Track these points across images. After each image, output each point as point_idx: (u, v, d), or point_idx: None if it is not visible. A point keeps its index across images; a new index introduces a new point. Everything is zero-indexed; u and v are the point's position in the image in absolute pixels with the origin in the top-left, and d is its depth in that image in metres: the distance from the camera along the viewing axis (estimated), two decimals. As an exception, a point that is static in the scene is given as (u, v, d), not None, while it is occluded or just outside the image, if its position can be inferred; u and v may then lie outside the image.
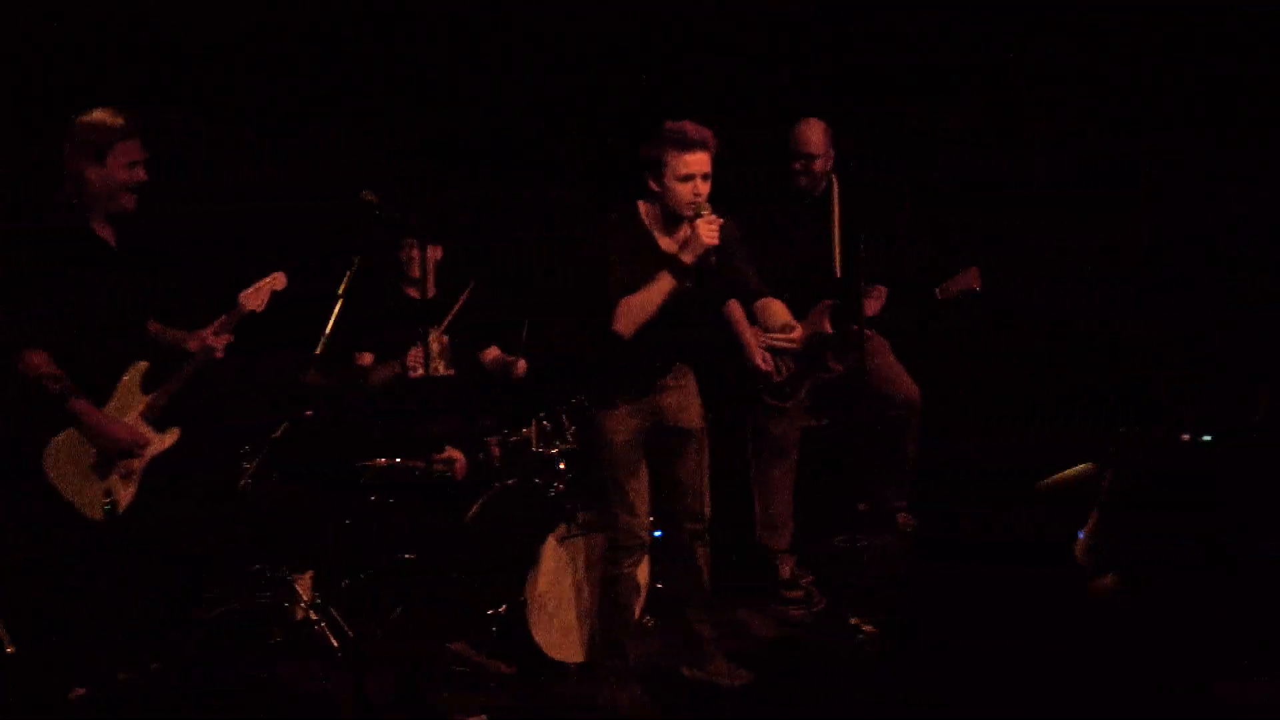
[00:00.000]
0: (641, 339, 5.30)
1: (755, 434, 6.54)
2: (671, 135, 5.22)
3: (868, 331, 6.24)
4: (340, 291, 5.72)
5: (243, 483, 5.88)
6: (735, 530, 6.25)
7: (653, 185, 5.28)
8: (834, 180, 6.50)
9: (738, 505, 6.43)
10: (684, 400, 5.56)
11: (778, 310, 5.35)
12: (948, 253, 6.50)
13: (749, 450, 6.59)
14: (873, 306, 6.32)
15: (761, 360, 5.76)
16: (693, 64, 7.11)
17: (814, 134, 6.45)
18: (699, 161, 5.20)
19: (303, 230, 6.56)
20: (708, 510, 5.61)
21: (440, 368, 6.25)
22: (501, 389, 6.47)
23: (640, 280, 5.26)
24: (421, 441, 5.96)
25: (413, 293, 6.47)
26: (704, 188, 5.22)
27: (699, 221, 5.17)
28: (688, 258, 5.21)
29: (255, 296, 5.39)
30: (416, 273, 6.33)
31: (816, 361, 6.45)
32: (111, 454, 5.17)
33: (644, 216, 5.38)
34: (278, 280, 5.51)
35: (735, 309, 5.86)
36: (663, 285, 5.23)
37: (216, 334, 5.39)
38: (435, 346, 6.27)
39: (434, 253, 6.47)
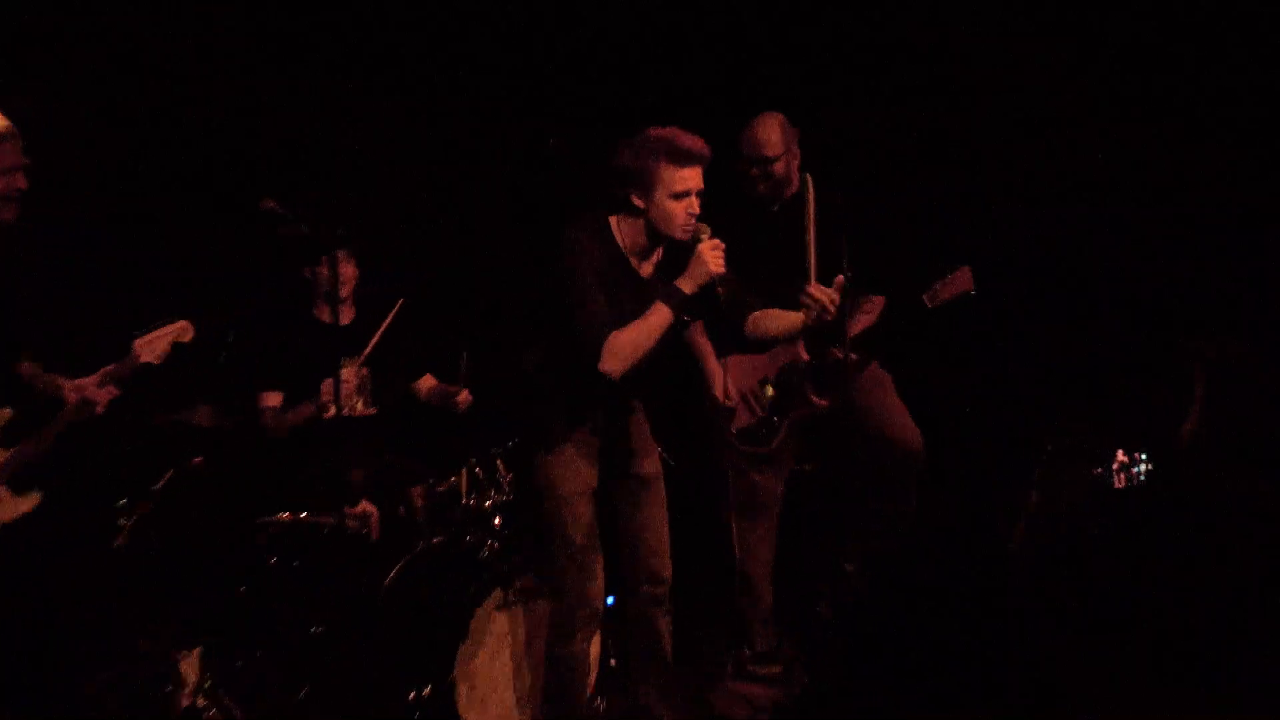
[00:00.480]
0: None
1: (734, 481, 6.00)
2: (664, 145, 4.81)
3: (863, 361, 5.79)
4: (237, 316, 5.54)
5: (118, 541, 5.47)
6: (703, 593, 5.94)
7: (636, 200, 4.85)
8: (809, 181, 5.92)
9: (706, 563, 6.03)
10: (639, 440, 5.19)
11: (771, 312, 5.01)
12: (929, 254, 6.01)
13: (727, 500, 6.04)
14: (863, 322, 5.76)
15: (723, 394, 5.53)
16: (639, 53, 6.77)
17: (769, 133, 5.82)
18: (696, 176, 4.84)
19: (207, 247, 6.27)
20: (669, 572, 5.21)
21: (358, 406, 5.94)
22: (431, 428, 6.19)
23: (616, 309, 4.86)
24: (332, 493, 5.55)
25: (324, 316, 6.11)
26: (696, 206, 4.86)
27: (703, 247, 4.80)
28: (689, 287, 4.82)
29: (153, 346, 5.04)
30: (327, 288, 5.95)
31: (794, 397, 5.87)
32: None
33: (616, 233, 4.95)
34: (184, 331, 5.13)
35: (697, 331, 5.66)
36: (660, 318, 4.83)
37: (100, 385, 5.00)
38: (352, 380, 5.89)
39: (349, 269, 6.06)
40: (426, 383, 6.29)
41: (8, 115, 4.77)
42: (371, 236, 6.08)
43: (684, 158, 4.80)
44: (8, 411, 4.85)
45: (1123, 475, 5.43)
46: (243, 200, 5.34)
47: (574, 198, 5.32)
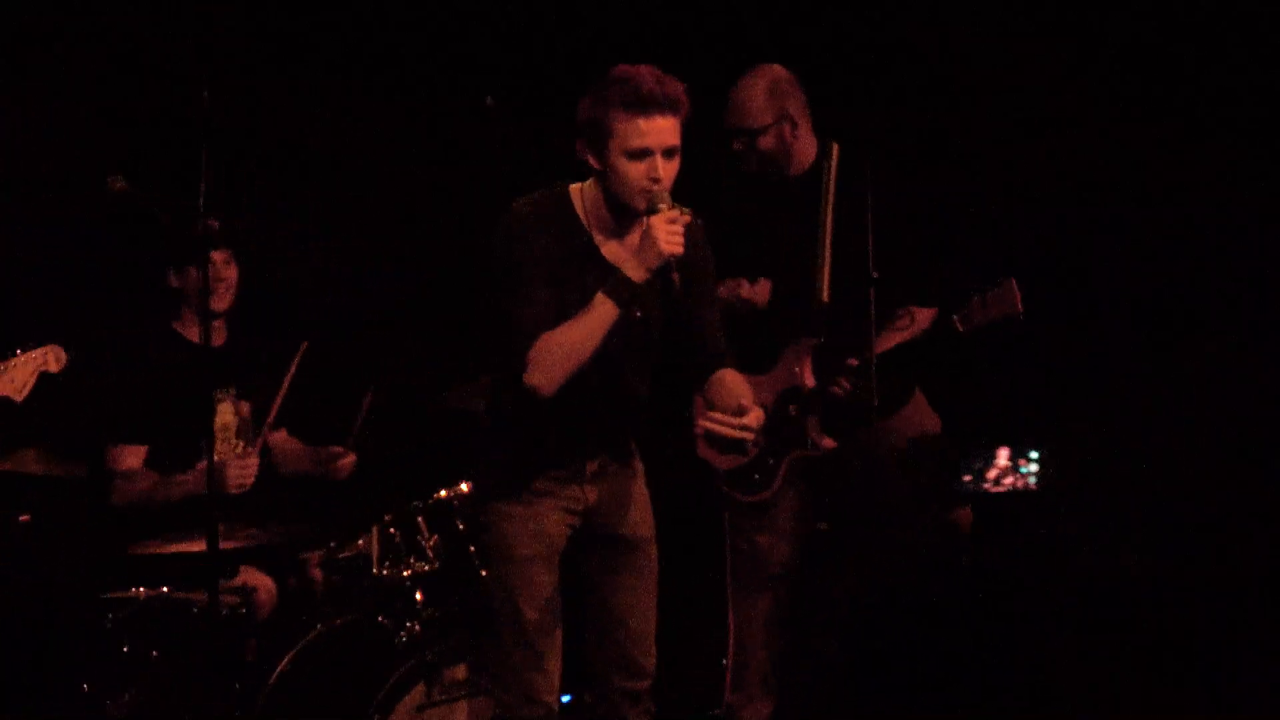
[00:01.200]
0: (566, 396, 4.23)
1: (731, 541, 5.35)
2: (620, 90, 4.16)
3: (886, 393, 4.97)
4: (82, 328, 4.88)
5: None
6: (690, 692, 5.68)
7: (592, 161, 4.24)
8: (833, 150, 5.18)
9: (697, 652, 5.76)
10: (622, 495, 4.48)
11: (732, 385, 4.35)
12: (966, 266, 5.48)
13: (726, 571, 5.42)
14: (894, 339, 5.01)
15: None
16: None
17: (752, 97, 5.09)
18: (660, 130, 4.15)
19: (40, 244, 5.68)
20: (652, 663, 4.55)
21: (241, 448, 5.43)
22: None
23: (575, 302, 4.24)
24: (204, 562, 4.75)
25: (191, 335, 5.47)
26: (667, 169, 4.17)
27: (655, 219, 4.13)
28: (637, 273, 4.16)
29: (12, 378, 4.62)
30: (216, 307, 5.35)
31: (794, 433, 5.14)
32: None
33: (578, 205, 4.32)
34: (51, 358, 4.62)
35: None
36: (601, 315, 4.18)
37: None
38: (232, 418, 5.41)
39: (228, 270, 5.43)
40: (278, 438, 5.63)
41: None
42: (256, 230, 5.53)
43: (644, 104, 4.12)
44: None
45: (1007, 479, 5.06)
46: (86, 182, 4.88)
47: (517, 180, 4.68)
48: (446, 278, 5.87)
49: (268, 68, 6.15)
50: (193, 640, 5.09)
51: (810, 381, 5.08)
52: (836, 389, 4.95)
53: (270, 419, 5.36)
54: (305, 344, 5.42)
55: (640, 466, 4.63)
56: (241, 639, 5.16)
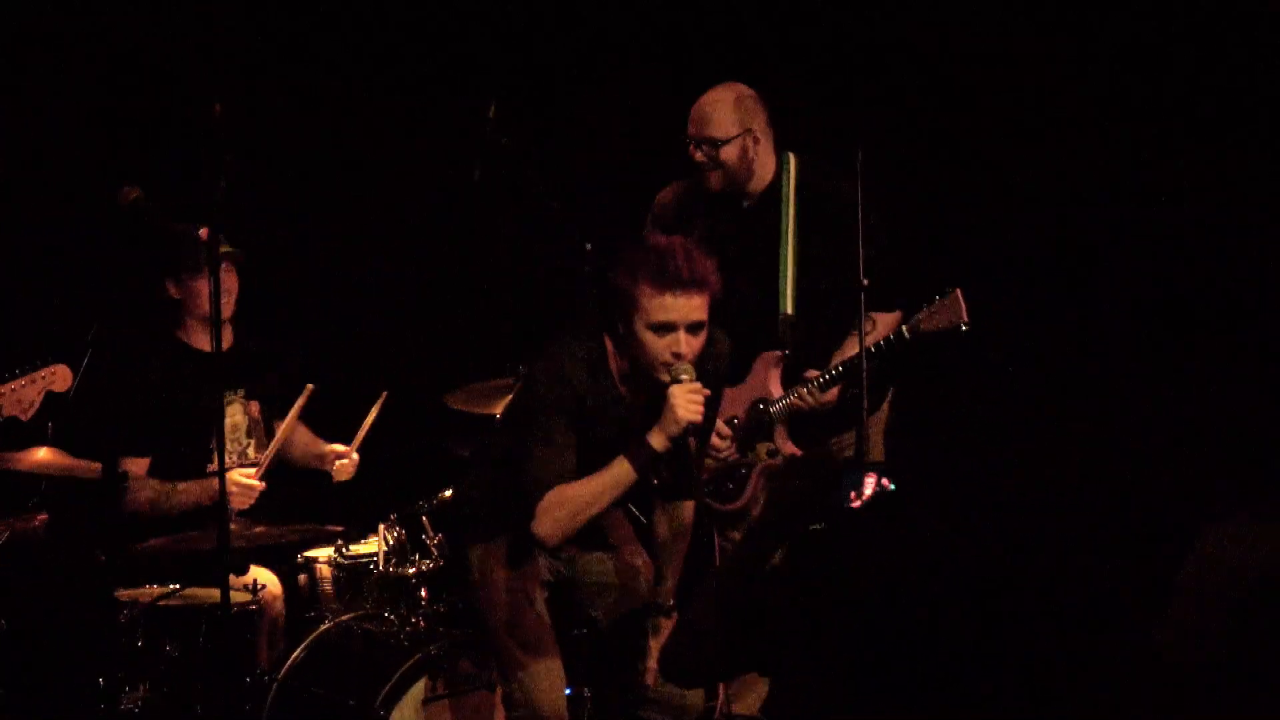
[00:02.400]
0: None
1: (719, 545, 5.40)
2: (648, 264, 4.18)
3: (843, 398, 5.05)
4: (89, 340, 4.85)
5: None
6: None
7: (620, 325, 4.26)
8: (791, 162, 5.18)
9: None
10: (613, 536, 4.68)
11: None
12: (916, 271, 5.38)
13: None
14: (857, 346, 4.90)
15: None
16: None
17: (718, 108, 5.09)
18: (685, 308, 4.19)
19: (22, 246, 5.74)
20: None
21: (250, 450, 5.46)
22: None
23: (597, 442, 4.32)
24: (215, 560, 4.72)
25: (194, 341, 5.48)
26: (691, 344, 4.22)
27: (676, 389, 4.19)
28: (658, 440, 4.22)
29: (19, 396, 4.66)
30: (206, 309, 5.14)
31: (762, 441, 5.19)
32: None
33: (611, 358, 4.36)
34: (57, 378, 4.67)
35: None
36: (618, 476, 4.27)
37: None
38: (241, 418, 5.43)
39: (229, 278, 5.38)
40: (296, 432, 5.57)
41: None
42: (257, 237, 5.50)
43: (671, 282, 4.15)
44: None
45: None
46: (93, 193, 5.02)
47: (522, 194, 4.91)
48: (451, 281, 5.89)
49: (274, 74, 6.10)
50: (204, 636, 5.07)
51: (777, 392, 5.10)
52: (797, 400, 4.99)
53: (270, 454, 5.31)
54: (311, 387, 5.40)
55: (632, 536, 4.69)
56: (252, 635, 5.19)
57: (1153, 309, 5.68)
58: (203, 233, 4.92)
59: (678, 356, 4.21)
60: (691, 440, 4.28)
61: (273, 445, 5.35)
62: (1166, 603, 3.46)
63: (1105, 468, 5.37)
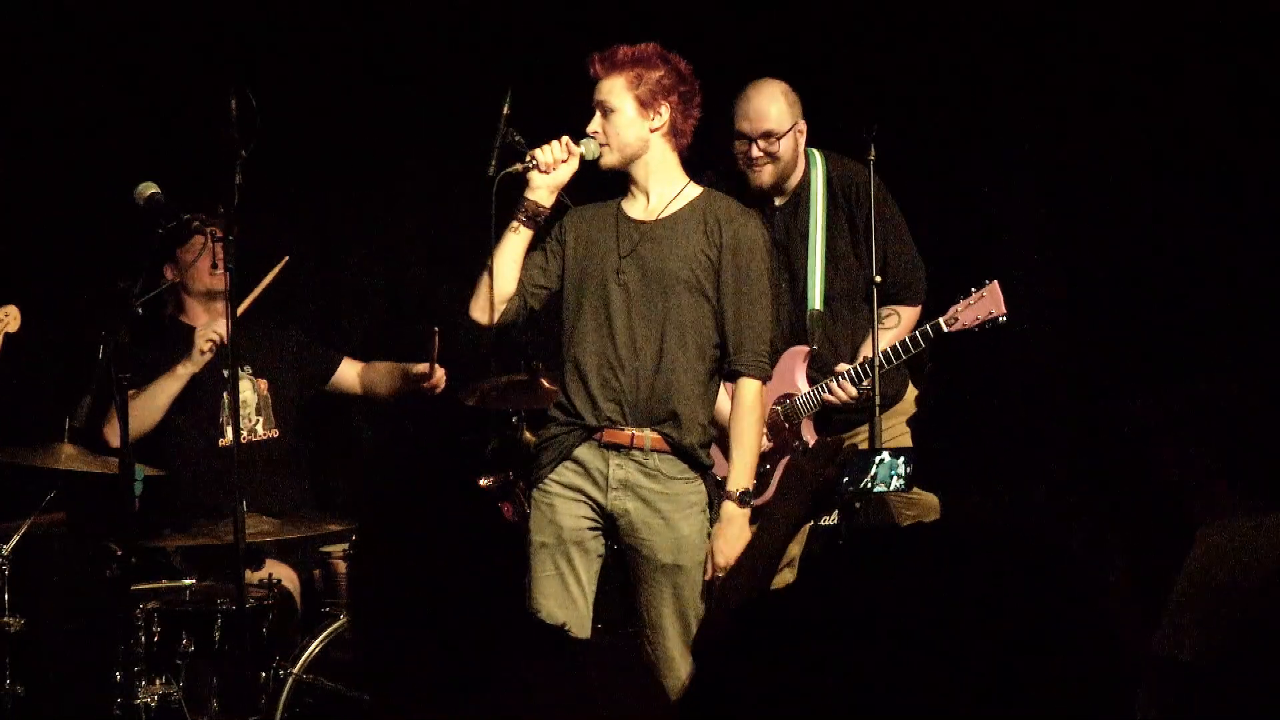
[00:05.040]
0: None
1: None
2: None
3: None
4: (110, 332, 4.62)
5: None
6: None
7: None
8: (819, 159, 5.17)
9: None
10: (656, 504, 4.48)
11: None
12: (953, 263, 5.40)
13: None
14: (883, 339, 4.95)
15: None
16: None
17: (772, 102, 5.05)
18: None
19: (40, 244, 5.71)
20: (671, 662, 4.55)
21: (259, 428, 5.42)
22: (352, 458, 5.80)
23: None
24: (231, 555, 4.80)
25: (197, 321, 5.49)
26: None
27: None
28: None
29: None
30: (203, 283, 5.36)
31: (789, 435, 5.12)
32: None
33: None
34: (10, 318, 4.73)
35: None
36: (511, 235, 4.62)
37: None
38: (251, 394, 5.38)
39: (219, 251, 5.33)
40: (370, 370, 5.55)
41: None
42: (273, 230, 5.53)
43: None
44: None
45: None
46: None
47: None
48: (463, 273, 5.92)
49: (288, 70, 6.03)
50: (220, 630, 5.03)
51: (805, 387, 5.10)
52: (828, 394, 4.98)
53: (241, 308, 5.11)
54: (286, 258, 5.38)
55: (696, 475, 4.54)
56: (268, 629, 5.11)
57: (1161, 306, 5.64)
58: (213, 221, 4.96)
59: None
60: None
61: (248, 300, 5.25)
62: (1164, 602, 3.47)
63: (1114, 464, 5.28)
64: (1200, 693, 3.30)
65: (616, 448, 4.46)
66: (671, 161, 4.54)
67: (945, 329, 4.89)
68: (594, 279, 4.50)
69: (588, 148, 4.46)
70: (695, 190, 4.56)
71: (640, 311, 4.47)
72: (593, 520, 4.52)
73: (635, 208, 4.53)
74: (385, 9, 6.11)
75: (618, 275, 4.47)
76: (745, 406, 4.43)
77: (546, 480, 4.53)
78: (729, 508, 4.38)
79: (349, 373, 5.58)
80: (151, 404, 5.20)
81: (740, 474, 4.39)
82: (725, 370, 4.52)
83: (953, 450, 5.50)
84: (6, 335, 4.70)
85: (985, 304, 4.89)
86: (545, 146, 4.45)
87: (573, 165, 4.49)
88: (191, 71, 5.71)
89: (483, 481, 5.09)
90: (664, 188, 4.51)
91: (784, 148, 5.00)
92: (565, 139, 4.45)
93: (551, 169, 4.45)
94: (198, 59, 5.80)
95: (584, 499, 4.50)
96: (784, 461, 5.02)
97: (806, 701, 1.59)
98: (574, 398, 4.48)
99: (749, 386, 4.44)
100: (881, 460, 3.16)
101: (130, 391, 4.98)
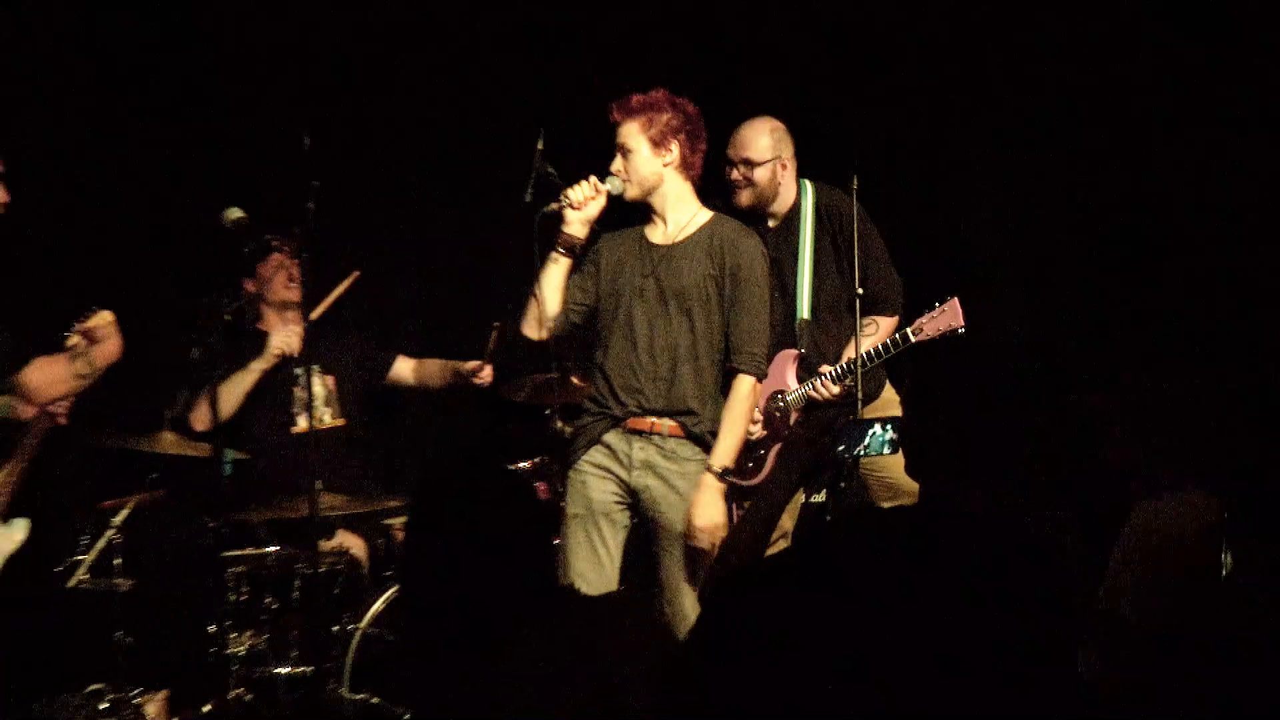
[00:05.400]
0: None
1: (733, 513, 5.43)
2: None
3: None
4: (202, 336, 5.08)
5: (76, 579, 5.12)
6: None
7: None
8: (809, 188, 5.46)
9: None
10: (673, 481, 4.75)
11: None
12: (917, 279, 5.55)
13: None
14: (862, 345, 5.15)
15: None
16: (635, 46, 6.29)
17: (757, 135, 5.36)
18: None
19: (144, 260, 5.92)
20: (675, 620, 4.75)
21: (326, 417, 5.60)
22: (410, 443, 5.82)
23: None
24: (306, 527, 5.04)
25: (276, 326, 5.73)
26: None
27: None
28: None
29: (107, 349, 4.68)
30: (279, 294, 5.56)
31: (780, 425, 5.35)
32: None
33: None
34: (104, 324, 4.68)
35: None
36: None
37: None
38: (320, 389, 5.55)
39: (295, 270, 5.58)
40: (422, 366, 5.82)
41: None
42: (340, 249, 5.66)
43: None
44: None
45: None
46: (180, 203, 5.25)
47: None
48: (509, 288, 6.00)
49: (352, 107, 6.21)
50: (298, 591, 5.25)
51: (794, 385, 5.35)
52: (814, 391, 5.23)
53: (314, 314, 5.39)
54: (357, 272, 5.60)
55: (700, 471, 4.72)
56: (338, 590, 5.31)
57: (1108, 316, 5.79)
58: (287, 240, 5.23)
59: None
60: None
61: (321, 307, 5.51)
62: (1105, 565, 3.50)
63: (1070, 449, 5.52)
64: (1135, 641, 3.38)
65: (639, 433, 4.76)
66: (684, 191, 4.84)
67: (912, 338, 5.17)
68: (621, 296, 4.82)
69: (612, 185, 4.81)
70: (706, 215, 4.85)
71: (658, 324, 4.78)
72: (619, 495, 4.78)
73: (655, 233, 4.84)
74: (437, 61, 6.30)
75: (640, 293, 4.80)
76: (738, 397, 4.74)
77: (580, 461, 4.81)
78: (706, 477, 4.65)
79: (403, 368, 5.82)
80: (230, 395, 5.40)
81: (722, 452, 4.68)
82: (727, 368, 4.81)
83: (931, 443, 5.58)
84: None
85: (946, 318, 5.14)
86: (576, 186, 4.80)
87: (601, 201, 4.82)
88: (272, 113, 5.90)
89: (521, 464, 5.45)
90: (679, 214, 4.83)
91: (759, 176, 5.28)
92: (593, 179, 4.80)
93: (582, 206, 4.80)
94: (277, 103, 6.01)
95: (611, 477, 4.77)
96: (777, 446, 5.26)
97: (794, 649, 1.61)
98: (603, 394, 4.80)
99: (744, 381, 4.75)
100: (873, 429, 3.41)
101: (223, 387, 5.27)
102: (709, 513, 4.62)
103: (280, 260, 5.52)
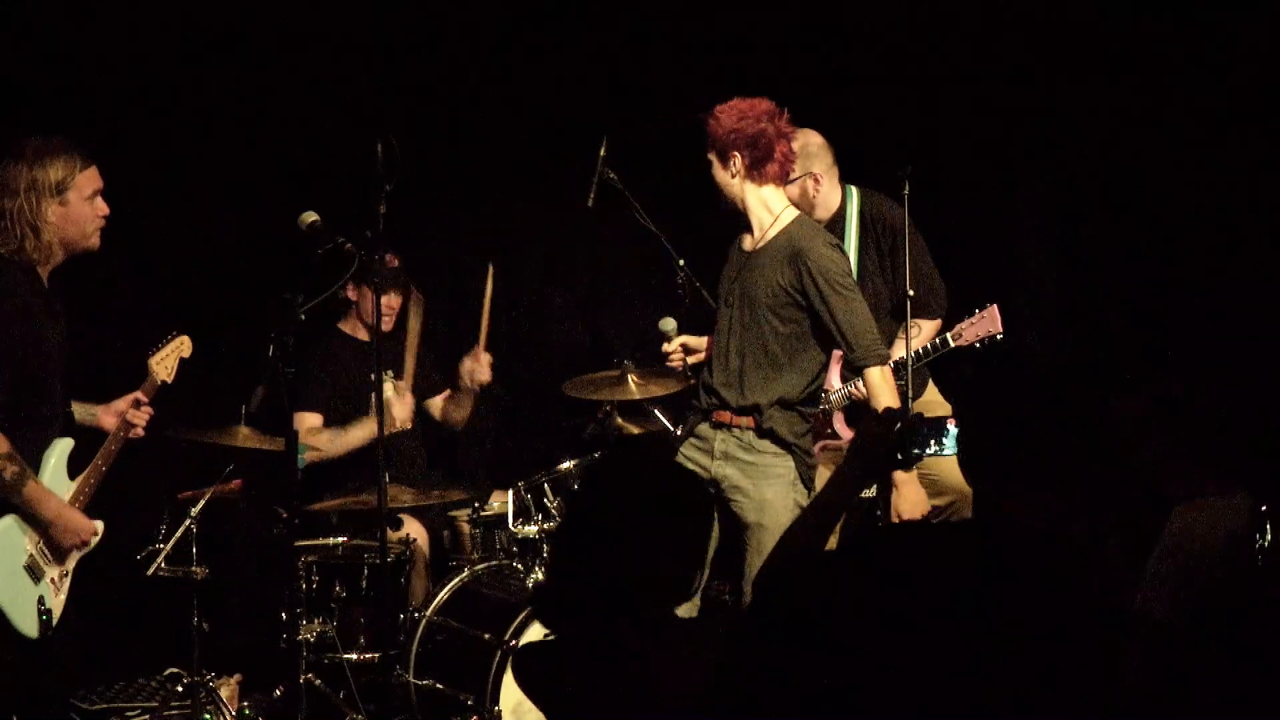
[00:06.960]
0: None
1: None
2: None
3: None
4: (278, 334, 4.93)
5: (155, 567, 5.19)
6: None
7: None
8: (854, 194, 5.57)
9: None
10: (747, 471, 4.88)
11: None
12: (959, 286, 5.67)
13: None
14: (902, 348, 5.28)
15: None
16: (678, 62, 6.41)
17: (814, 142, 5.43)
18: None
19: (221, 262, 6.11)
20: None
21: (397, 423, 5.72)
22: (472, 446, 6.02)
23: None
24: (375, 518, 5.09)
25: (354, 333, 6.01)
26: None
27: None
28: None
29: (165, 364, 4.89)
30: (369, 315, 5.60)
31: (822, 424, 5.46)
32: (66, 549, 4.52)
33: None
34: (183, 345, 4.94)
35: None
36: None
37: (137, 407, 4.77)
38: (392, 393, 5.69)
39: (395, 300, 5.80)
40: (445, 402, 6.02)
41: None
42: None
43: None
44: (70, 442, 4.61)
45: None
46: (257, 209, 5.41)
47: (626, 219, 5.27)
48: (570, 289, 6.39)
49: (421, 117, 6.37)
50: (366, 579, 5.39)
51: (837, 384, 5.47)
52: (855, 390, 5.34)
53: (410, 363, 5.62)
54: (490, 266, 5.68)
55: (774, 465, 4.84)
56: (405, 578, 5.46)
57: (1143, 321, 5.89)
58: (391, 259, 5.34)
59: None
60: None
61: (409, 356, 5.66)
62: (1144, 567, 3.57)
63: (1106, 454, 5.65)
64: (1170, 644, 3.39)
65: (722, 425, 4.90)
66: (762, 196, 4.84)
67: (951, 343, 5.30)
68: (720, 299, 5.02)
69: (665, 325, 5.11)
70: (786, 219, 4.85)
71: (736, 329, 4.90)
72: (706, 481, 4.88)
73: (747, 240, 4.92)
74: (502, 74, 6.49)
75: (728, 298, 4.96)
76: (874, 389, 4.76)
77: (683, 446, 5.00)
78: (896, 475, 4.68)
79: (436, 403, 5.99)
80: (342, 444, 5.66)
81: None
82: (852, 367, 4.92)
83: (978, 450, 5.73)
84: (181, 359, 4.96)
85: (985, 324, 5.27)
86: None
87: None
88: (347, 122, 6.07)
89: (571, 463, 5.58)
90: (761, 220, 4.86)
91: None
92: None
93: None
94: (352, 112, 6.17)
95: (700, 466, 4.90)
96: (819, 445, 5.30)
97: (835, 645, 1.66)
98: (701, 390, 4.99)
99: (872, 374, 4.75)
100: (950, 427, 3.35)
101: (328, 433, 5.59)
102: (907, 504, 4.71)
103: (367, 292, 5.54)
